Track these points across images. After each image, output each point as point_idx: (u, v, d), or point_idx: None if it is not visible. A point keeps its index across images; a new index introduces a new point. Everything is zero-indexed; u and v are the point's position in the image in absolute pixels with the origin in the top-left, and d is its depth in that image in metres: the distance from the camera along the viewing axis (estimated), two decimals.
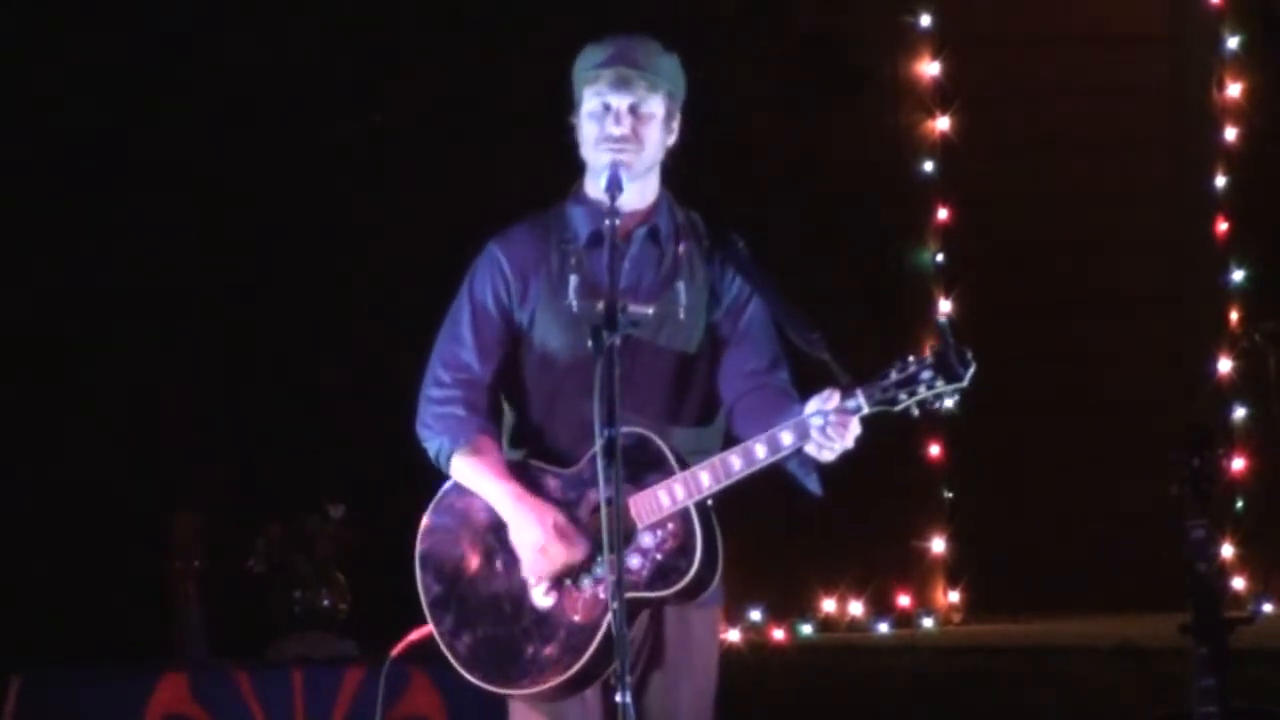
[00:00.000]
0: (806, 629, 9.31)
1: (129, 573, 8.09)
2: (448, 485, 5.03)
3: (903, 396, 4.76)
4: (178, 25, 8.63)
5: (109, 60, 8.57)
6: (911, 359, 4.77)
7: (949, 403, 4.79)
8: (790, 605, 9.30)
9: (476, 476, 4.96)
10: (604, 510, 4.62)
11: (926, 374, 4.75)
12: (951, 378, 4.74)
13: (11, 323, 8.42)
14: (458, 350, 5.05)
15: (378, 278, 8.69)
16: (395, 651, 5.16)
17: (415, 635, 5.06)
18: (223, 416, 8.57)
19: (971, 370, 4.74)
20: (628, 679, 4.54)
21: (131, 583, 8.06)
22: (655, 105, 4.96)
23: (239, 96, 8.69)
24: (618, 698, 4.55)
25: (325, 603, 7.74)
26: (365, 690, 7.23)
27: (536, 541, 4.87)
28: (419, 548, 5.00)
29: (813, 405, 4.76)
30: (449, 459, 4.99)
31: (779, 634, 9.17)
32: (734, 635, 8.84)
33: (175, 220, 8.62)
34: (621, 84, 4.93)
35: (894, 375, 4.77)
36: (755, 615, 9.17)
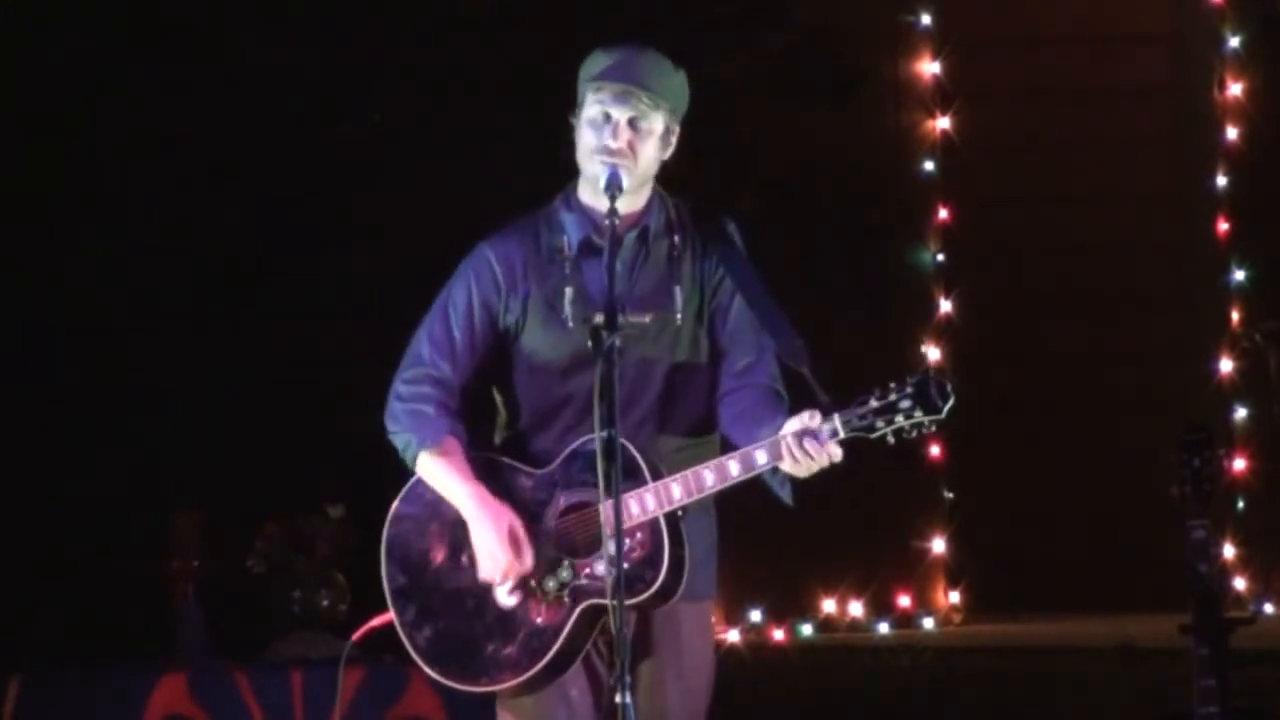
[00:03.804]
0: (806, 629, 9.30)
1: (129, 573, 8.09)
2: (418, 476, 5.02)
3: (880, 424, 4.74)
4: (178, 25, 8.64)
5: (107, 59, 8.57)
6: (893, 386, 4.75)
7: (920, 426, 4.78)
8: (790, 605, 9.29)
9: (442, 476, 4.97)
10: (602, 510, 4.63)
11: (905, 404, 4.73)
12: (930, 410, 4.73)
13: (11, 322, 8.42)
14: (434, 350, 5.03)
15: (377, 277, 8.68)
16: (357, 636, 5.17)
17: (377, 621, 5.08)
18: (223, 416, 8.57)
19: (950, 404, 4.73)
20: (626, 679, 4.54)
21: (131, 583, 8.05)
22: (655, 122, 4.95)
23: (239, 96, 8.69)
24: (617, 698, 4.55)
25: (325, 603, 7.73)
26: (364, 690, 7.22)
27: (489, 546, 4.89)
28: (385, 535, 5.00)
29: (792, 425, 4.74)
30: (414, 457, 5.00)
31: (779, 634, 9.16)
32: (734, 635, 8.83)
33: (174, 220, 8.62)
34: (625, 97, 4.91)
35: (873, 403, 4.75)
36: (755, 615, 9.17)
